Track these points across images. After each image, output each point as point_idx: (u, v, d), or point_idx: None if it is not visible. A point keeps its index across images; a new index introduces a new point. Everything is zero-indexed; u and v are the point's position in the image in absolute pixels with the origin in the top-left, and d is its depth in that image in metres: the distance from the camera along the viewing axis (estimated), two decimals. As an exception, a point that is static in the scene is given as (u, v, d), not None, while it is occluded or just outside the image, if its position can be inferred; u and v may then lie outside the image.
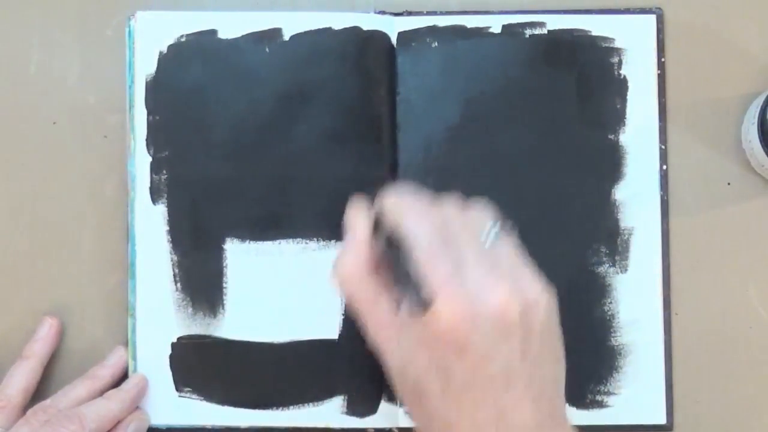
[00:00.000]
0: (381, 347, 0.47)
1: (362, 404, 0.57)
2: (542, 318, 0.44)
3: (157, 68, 0.58)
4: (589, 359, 0.58)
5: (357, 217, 0.48)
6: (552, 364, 0.45)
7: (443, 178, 0.58)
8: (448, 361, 0.43)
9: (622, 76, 0.59)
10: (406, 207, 0.46)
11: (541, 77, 0.59)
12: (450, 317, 0.42)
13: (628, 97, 0.59)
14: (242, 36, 0.58)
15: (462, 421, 0.43)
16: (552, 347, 0.45)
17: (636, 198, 0.58)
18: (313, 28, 0.58)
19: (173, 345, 0.58)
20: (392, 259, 0.45)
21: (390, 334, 0.46)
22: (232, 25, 0.58)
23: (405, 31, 0.59)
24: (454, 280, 0.43)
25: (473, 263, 0.44)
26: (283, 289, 0.58)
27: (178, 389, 0.58)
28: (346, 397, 0.57)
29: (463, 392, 0.43)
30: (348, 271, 0.46)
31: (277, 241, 0.58)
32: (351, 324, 0.57)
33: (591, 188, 0.59)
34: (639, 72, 0.59)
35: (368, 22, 0.58)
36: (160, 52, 0.58)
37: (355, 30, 0.58)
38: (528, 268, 0.46)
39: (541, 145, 0.58)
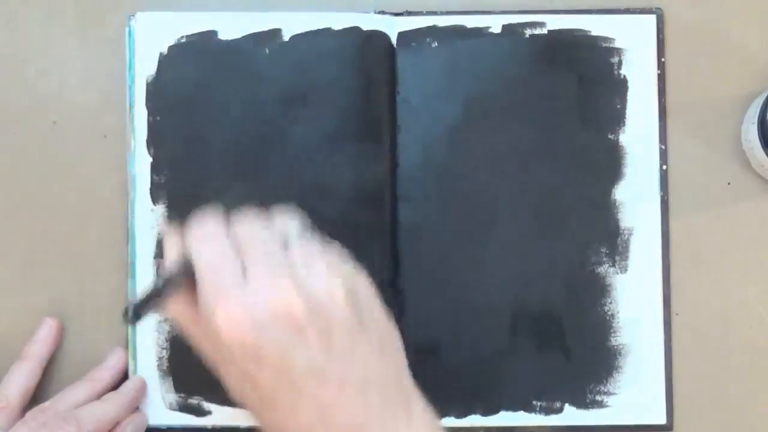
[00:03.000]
0: (215, 368, 0.46)
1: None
2: (342, 311, 0.43)
3: (158, 69, 0.58)
4: (589, 359, 0.58)
5: (168, 256, 0.46)
6: (375, 355, 0.43)
7: (443, 178, 0.58)
8: (252, 372, 0.42)
9: (622, 76, 0.59)
10: (194, 232, 0.45)
11: (541, 77, 0.59)
12: (230, 330, 0.42)
13: (628, 97, 0.59)
14: (242, 37, 0.58)
15: (288, 423, 0.43)
16: (369, 338, 0.44)
17: (636, 198, 0.58)
18: (312, 29, 0.58)
19: (173, 345, 0.58)
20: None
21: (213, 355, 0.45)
22: (232, 26, 0.58)
23: (405, 31, 0.59)
24: (231, 291, 0.42)
25: (256, 271, 0.43)
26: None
27: (177, 389, 0.58)
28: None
29: (276, 399, 0.42)
30: (173, 308, 0.45)
31: (277, 242, 0.58)
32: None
33: (591, 188, 0.59)
34: (639, 72, 0.59)
35: (368, 22, 0.58)
36: (161, 53, 0.58)
37: (355, 30, 0.58)
38: (325, 266, 0.44)
39: (541, 145, 0.58)
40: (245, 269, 0.43)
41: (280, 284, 0.42)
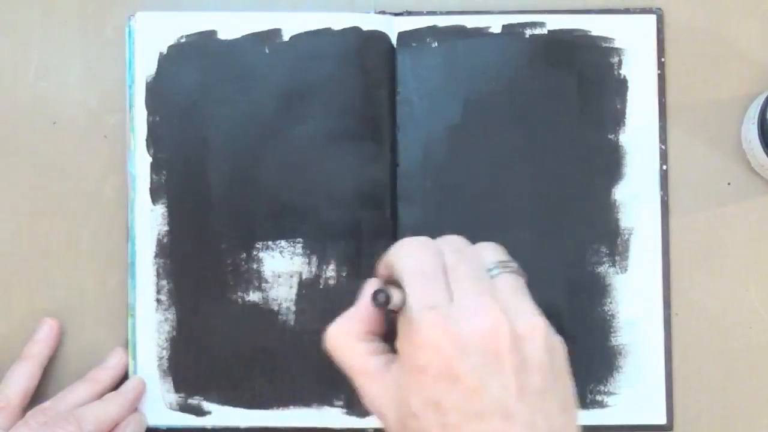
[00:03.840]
0: (375, 404, 0.44)
1: (362, 404, 0.57)
2: (539, 352, 0.42)
3: (158, 69, 0.58)
4: (589, 359, 0.58)
5: (366, 287, 0.46)
6: (560, 412, 0.42)
7: (443, 178, 0.58)
8: (440, 393, 0.40)
9: (622, 76, 0.59)
10: (403, 245, 0.45)
11: (541, 77, 0.59)
12: (433, 345, 0.40)
13: (628, 97, 0.59)
14: (242, 36, 0.58)
15: None
16: (558, 392, 0.42)
17: (636, 198, 0.58)
18: (312, 29, 0.58)
19: (173, 345, 0.58)
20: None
21: (382, 388, 0.43)
22: (231, 26, 0.58)
23: (405, 31, 0.59)
24: (440, 305, 0.41)
25: (465, 291, 0.42)
26: (283, 287, 0.58)
27: (177, 389, 0.58)
28: (346, 398, 0.57)
29: (460, 427, 0.40)
30: (334, 335, 0.45)
31: (278, 241, 0.58)
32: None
33: (591, 188, 0.59)
34: (639, 72, 0.59)
35: (368, 22, 0.58)
36: (160, 53, 0.58)
37: (355, 30, 0.58)
38: (529, 303, 0.43)
39: (541, 145, 0.58)
40: (452, 287, 0.42)
41: (488, 307, 0.41)
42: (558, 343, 0.43)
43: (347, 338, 0.45)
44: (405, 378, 0.42)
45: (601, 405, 0.58)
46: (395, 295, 0.43)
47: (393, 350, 0.44)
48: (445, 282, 0.43)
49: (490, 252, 0.46)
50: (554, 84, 0.59)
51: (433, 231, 0.58)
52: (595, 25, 0.59)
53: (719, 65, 0.59)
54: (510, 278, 0.44)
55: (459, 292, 0.42)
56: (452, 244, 0.46)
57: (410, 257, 0.44)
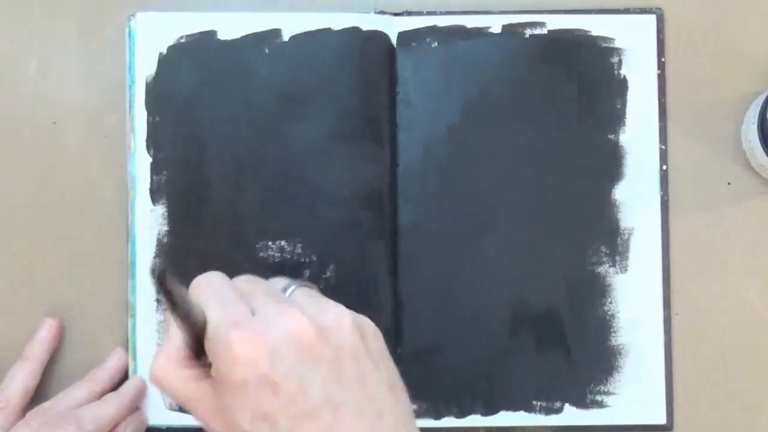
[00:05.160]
0: (212, 428, 0.44)
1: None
2: (350, 338, 0.42)
3: (157, 69, 0.58)
4: (589, 359, 0.58)
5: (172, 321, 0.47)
6: (386, 390, 0.42)
7: (443, 178, 0.58)
8: (265, 403, 0.41)
9: (622, 76, 0.59)
10: (197, 279, 0.45)
11: (541, 77, 0.59)
12: (247, 358, 0.41)
13: (628, 97, 0.59)
14: (242, 37, 0.58)
15: None
16: (381, 373, 0.43)
17: (636, 198, 0.58)
18: (312, 29, 0.58)
19: (173, 345, 0.58)
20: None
21: (215, 410, 0.43)
22: (231, 26, 0.58)
23: (405, 31, 0.59)
24: (243, 322, 0.42)
25: (263, 304, 0.43)
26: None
27: (178, 389, 0.58)
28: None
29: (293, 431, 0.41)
30: (158, 367, 0.44)
31: (278, 241, 0.58)
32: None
33: (591, 188, 0.59)
34: (639, 72, 0.59)
35: (368, 22, 0.58)
36: (160, 53, 0.58)
37: (355, 30, 0.58)
38: (327, 301, 0.44)
39: (541, 145, 0.58)
40: (250, 305, 0.43)
41: (288, 312, 0.42)
42: (370, 327, 0.44)
43: (171, 368, 0.44)
44: (229, 398, 0.42)
45: (601, 405, 0.58)
46: (198, 315, 0.43)
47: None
48: (243, 301, 0.44)
49: (281, 280, 0.47)
50: (554, 84, 0.59)
51: (433, 231, 0.58)
52: (595, 25, 0.59)
53: (719, 65, 0.59)
54: (303, 290, 0.45)
55: (257, 306, 0.43)
56: (244, 278, 0.46)
57: (207, 285, 0.45)
